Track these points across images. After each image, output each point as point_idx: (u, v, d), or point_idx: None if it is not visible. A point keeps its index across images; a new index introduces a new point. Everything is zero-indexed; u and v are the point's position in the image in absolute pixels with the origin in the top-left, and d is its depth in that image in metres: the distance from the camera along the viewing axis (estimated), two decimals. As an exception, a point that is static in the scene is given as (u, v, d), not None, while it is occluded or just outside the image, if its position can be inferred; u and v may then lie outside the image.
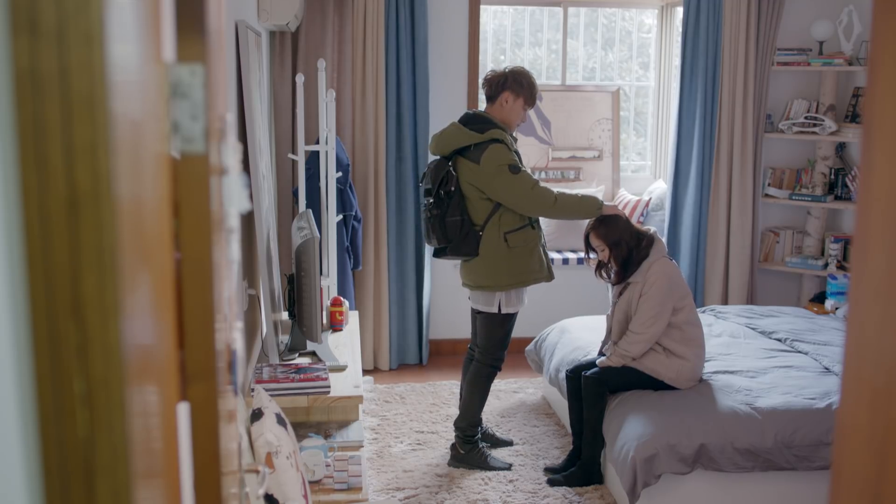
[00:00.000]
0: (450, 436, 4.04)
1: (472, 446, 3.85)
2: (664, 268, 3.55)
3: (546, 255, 3.76)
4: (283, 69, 4.85)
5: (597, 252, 3.66)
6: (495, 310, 3.71)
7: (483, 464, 3.82)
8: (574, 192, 3.85)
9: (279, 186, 4.85)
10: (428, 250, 5.13)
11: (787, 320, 4.55)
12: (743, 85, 5.28)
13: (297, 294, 3.38)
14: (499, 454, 3.96)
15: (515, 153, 3.63)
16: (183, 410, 1.05)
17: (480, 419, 3.92)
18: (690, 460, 3.24)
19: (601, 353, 3.80)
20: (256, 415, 2.38)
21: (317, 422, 3.19)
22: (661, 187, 5.70)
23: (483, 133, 3.55)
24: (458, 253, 3.64)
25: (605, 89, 5.82)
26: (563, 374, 3.95)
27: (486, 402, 4.10)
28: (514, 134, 3.77)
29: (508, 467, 3.83)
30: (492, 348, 3.80)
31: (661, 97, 5.92)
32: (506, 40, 5.89)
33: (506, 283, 3.64)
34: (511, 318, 3.77)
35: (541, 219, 3.83)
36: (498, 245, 3.59)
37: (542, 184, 3.59)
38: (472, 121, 3.61)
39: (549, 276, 3.75)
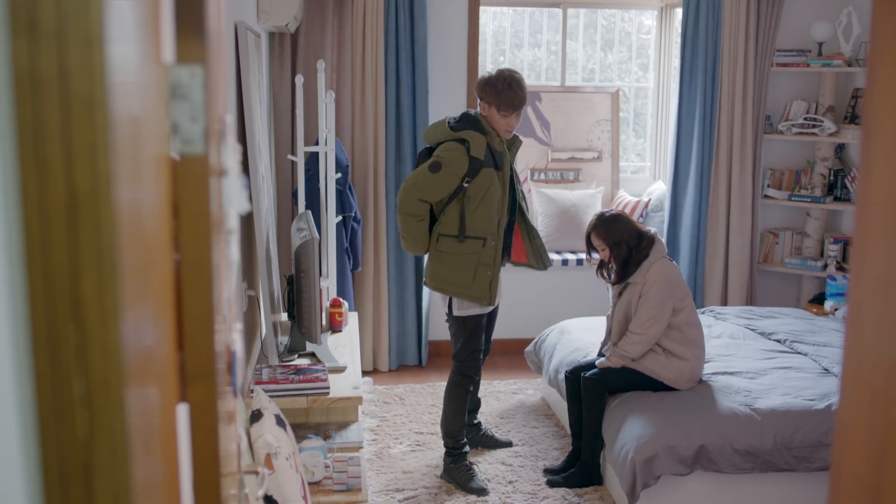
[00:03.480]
0: (449, 437, 4.03)
1: (453, 459, 3.71)
2: (664, 268, 3.55)
3: (493, 278, 3.52)
4: (283, 70, 4.85)
5: (598, 252, 3.67)
6: (447, 310, 3.62)
7: (463, 483, 3.65)
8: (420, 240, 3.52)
9: (279, 187, 4.85)
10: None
11: (787, 321, 4.55)
12: (742, 86, 5.29)
13: (296, 295, 3.38)
14: (499, 455, 3.95)
15: (489, 161, 3.43)
16: (182, 411, 1.05)
17: (461, 431, 3.72)
18: (690, 461, 3.24)
19: (601, 354, 3.80)
20: (256, 416, 2.38)
21: (316, 423, 3.19)
22: (660, 188, 5.70)
23: (456, 132, 3.45)
24: None
25: (604, 90, 5.82)
26: (562, 375, 3.95)
27: (486, 403, 4.10)
28: (514, 138, 3.60)
29: (485, 492, 3.62)
30: (458, 353, 3.64)
31: (660, 98, 5.93)
32: (505, 41, 5.89)
33: (434, 285, 3.56)
34: (468, 321, 3.58)
35: (517, 237, 3.71)
36: (433, 244, 3.53)
37: (422, 203, 3.43)
38: (460, 119, 3.51)
39: (484, 300, 3.52)
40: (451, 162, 3.40)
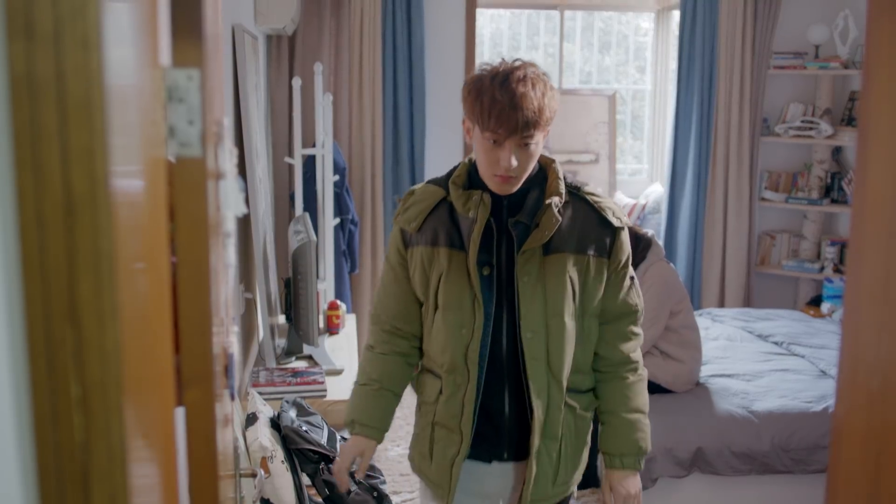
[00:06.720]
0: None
1: None
2: (661, 271, 3.55)
3: (457, 455, 1.90)
4: (280, 73, 4.85)
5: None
6: None
7: None
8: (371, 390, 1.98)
9: (276, 190, 4.85)
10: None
11: (784, 324, 4.55)
12: (739, 88, 5.29)
13: (293, 297, 3.38)
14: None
15: (434, 236, 1.86)
16: (179, 415, 1.04)
17: None
18: (687, 464, 3.24)
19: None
20: (251, 419, 2.37)
21: (313, 426, 3.18)
22: (657, 191, 5.71)
23: None
24: None
25: (601, 93, 5.83)
26: (559, 378, 3.95)
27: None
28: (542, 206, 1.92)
29: None
30: None
31: (657, 101, 5.93)
32: (503, 44, 5.90)
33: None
34: None
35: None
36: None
37: (385, 318, 1.98)
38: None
39: (438, 486, 1.94)
40: (390, 244, 2.00)
